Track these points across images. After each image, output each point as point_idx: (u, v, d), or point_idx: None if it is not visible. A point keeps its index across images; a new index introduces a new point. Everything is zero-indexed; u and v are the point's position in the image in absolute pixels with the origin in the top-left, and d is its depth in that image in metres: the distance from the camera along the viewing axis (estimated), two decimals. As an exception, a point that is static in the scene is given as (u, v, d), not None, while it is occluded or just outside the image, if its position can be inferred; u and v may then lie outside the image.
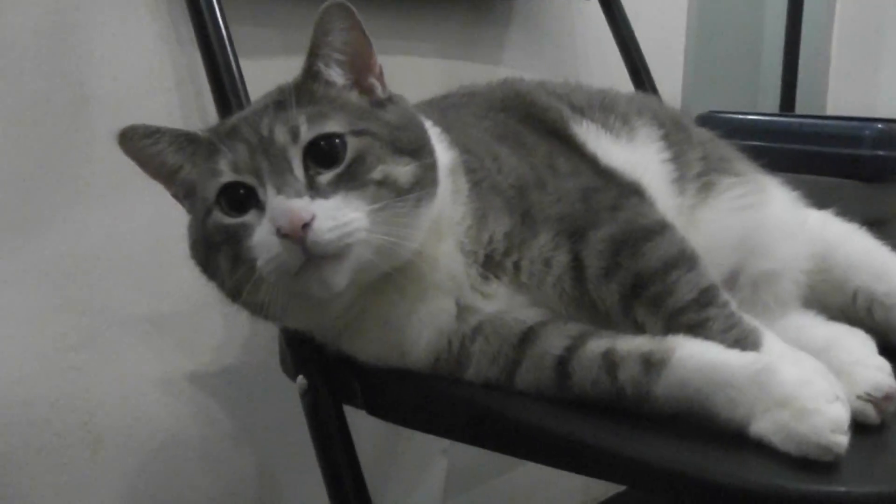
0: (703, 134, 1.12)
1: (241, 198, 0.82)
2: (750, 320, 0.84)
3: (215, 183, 0.83)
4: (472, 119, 1.00)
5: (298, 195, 0.79)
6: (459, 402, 0.89)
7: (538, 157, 0.94)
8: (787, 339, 0.99)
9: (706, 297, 0.84)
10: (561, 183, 0.91)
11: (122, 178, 1.19)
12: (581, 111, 1.03)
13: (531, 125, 1.00)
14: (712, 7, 2.25)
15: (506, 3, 1.71)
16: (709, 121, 2.04)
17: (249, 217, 0.81)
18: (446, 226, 0.88)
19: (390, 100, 0.91)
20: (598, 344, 0.84)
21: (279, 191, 0.79)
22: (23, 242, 1.16)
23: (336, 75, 0.88)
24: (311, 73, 0.88)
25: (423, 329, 0.88)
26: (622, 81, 1.69)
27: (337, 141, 0.82)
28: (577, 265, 0.88)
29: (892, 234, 1.84)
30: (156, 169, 0.89)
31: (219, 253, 0.83)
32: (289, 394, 1.04)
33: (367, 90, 0.90)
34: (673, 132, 1.06)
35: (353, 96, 0.89)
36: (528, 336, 0.87)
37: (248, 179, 0.82)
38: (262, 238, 0.79)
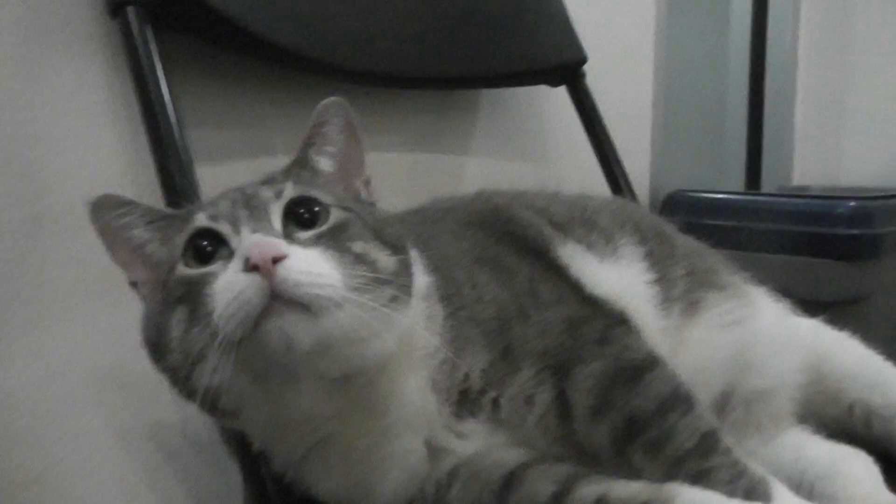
0: (687, 244, 1.07)
1: (209, 248, 0.75)
2: (757, 468, 0.79)
3: (186, 233, 0.77)
4: (449, 238, 0.95)
5: (275, 235, 0.74)
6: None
7: (519, 283, 0.89)
8: (785, 461, 0.97)
9: (707, 443, 0.79)
10: (544, 313, 0.86)
11: (79, 300, 1.12)
12: (563, 228, 0.98)
13: (511, 244, 0.95)
14: (676, 85, 2.24)
15: (472, 92, 1.68)
16: (678, 200, 2.02)
17: (215, 267, 0.74)
18: (417, 357, 0.82)
19: (373, 206, 0.87)
20: (589, 490, 0.78)
21: (255, 230, 0.74)
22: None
23: (326, 165, 0.86)
24: (302, 160, 0.85)
25: (389, 469, 0.82)
26: (591, 165, 1.66)
27: (318, 208, 0.78)
28: (562, 402, 0.83)
29: (866, 314, 1.84)
30: (121, 244, 0.82)
31: (172, 315, 0.74)
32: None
33: (352, 192, 0.87)
34: (656, 247, 1.01)
35: (339, 188, 0.86)
36: (510, 481, 0.81)
37: (223, 228, 0.76)
38: (226, 279, 0.71)
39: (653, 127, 2.15)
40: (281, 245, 0.71)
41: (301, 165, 0.85)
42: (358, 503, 0.84)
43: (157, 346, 0.77)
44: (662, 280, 0.98)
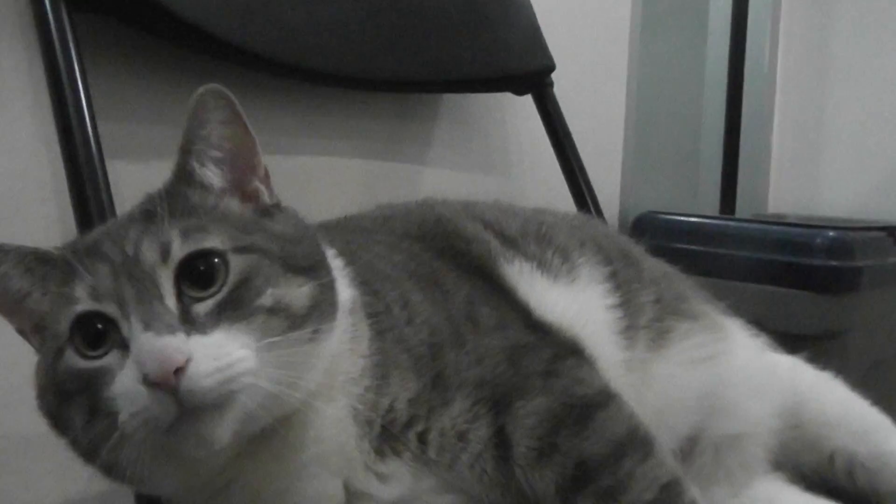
0: (656, 268, 0.97)
1: (98, 332, 0.66)
2: None
3: (69, 313, 0.66)
4: (382, 249, 0.84)
5: (171, 331, 0.63)
6: None
7: (457, 305, 0.79)
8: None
9: (669, 495, 0.70)
10: (483, 340, 0.76)
11: None
12: (514, 244, 0.87)
13: (452, 260, 0.84)
14: (650, 103, 2.16)
15: (431, 97, 1.59)
16: (648, 222, 1.93)
17: (109, 359, 0.65)
18: (339, 383, 0.72)
19: (278, 207, 0.75)
20: None
21: (147, 326, 0.63)
22: None
23: (213, 176, 0.73)
24: (183, 175, 0.72)
25: None
26: (556, 179, 1.56)
27: (216, 260, 0.67)
28: (500, 441, 0.72)
29: (845, 350, 1.76)
30: (1, 295, 0.71)
31: (71, 404, 0.67)
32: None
33: (250, 196, 0.75)
34: (621, 269, 0.90)
35: (235, 204, 0.73)
36: None
37: (109, 309, 0.65)
38: (125, 387, 0.63)
39: (624, 144, 2.06)
40: (179, 351, 0.62)
41: (185, 181, 0.72)
42: None
43: (56, 425, 0.70)
44: (626, 305, 0.88)
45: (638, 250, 0.98)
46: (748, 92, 2.52)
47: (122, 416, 0.63)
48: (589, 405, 0.73)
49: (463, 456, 0.72)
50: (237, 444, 0.68)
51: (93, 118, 1.00)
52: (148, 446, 0.63)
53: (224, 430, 0.64)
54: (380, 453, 0.72)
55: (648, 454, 0.71)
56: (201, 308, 0.65)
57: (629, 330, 0.87)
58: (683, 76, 2.46)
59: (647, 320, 0.89)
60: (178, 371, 0.60)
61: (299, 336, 0.66)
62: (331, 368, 0.70)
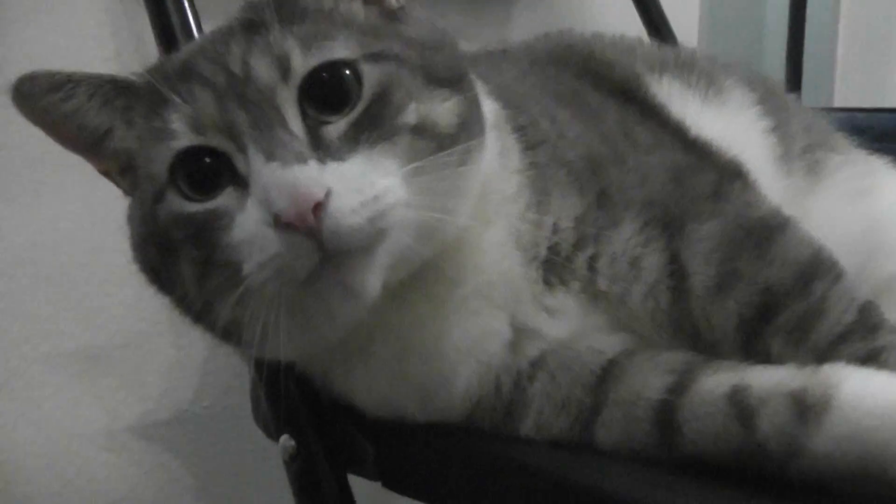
0: (793, 99, 0.88)
1: (208, 170, 0.57)
2: None
3: (166, 151, 0.58)
4: (513, 72, 0.76)
5: (301, 160, 0.54)
6: (518, 469, 0.64)
7: (608, 123, 0.71)
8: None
9: (870, 317, 0.62)
10: (644, 157, 0.68)
11: (41, 174, 0.98)
12: (655, 67, 0.78)
13: (593, 83, 0.76)
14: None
15: None
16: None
17: (225, 199, 0.57)
18: (495, 204, 0.64)
19: (405, 11, 0.66)
20: (716, 381, 0.60)
21: (270, 156, 0.55)
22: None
23: None
24: None
25: (460, 361, 0.64)
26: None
27: (347, 73, 0.58)
28: (676, 270, 0.65)
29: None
30: (73, 136, 0.63)
31: (178, 256, 0.59)
32: (264, 444, 0.81)
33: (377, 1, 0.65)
34: (766, 96, 0.83)
35: (357, 6, 0.64)
36: (610, 372, 0.64)
37: (218, 142, 0.57)
38: (249, 231, 0.55)
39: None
40: (316, 183, 0.53)
41: None
42: (411, 412, 0.67)
43: (157, 279, 0.63)
44: (779, 130, 0.81)
45: (777, 84, 0.90)
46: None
47: (248, 267, 0.55)
48: (766, 227, 0.66)
49: (636, 287, 0.65)
50: (387, 291, 0.60)
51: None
52: (281, 301, 0.55)
53: (375, 278, 0.56)
54: (548, 283, 0.65)
55: (840, 275, 0.64)
56: (333, 131, 0.57)
57: (786, 157, 0.81)
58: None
59: (800, 149, 0.82)
60: (317, 208, 0.52)
61: (449, 159, 0.58)
62: (484, 190, 0.63)
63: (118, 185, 0.66)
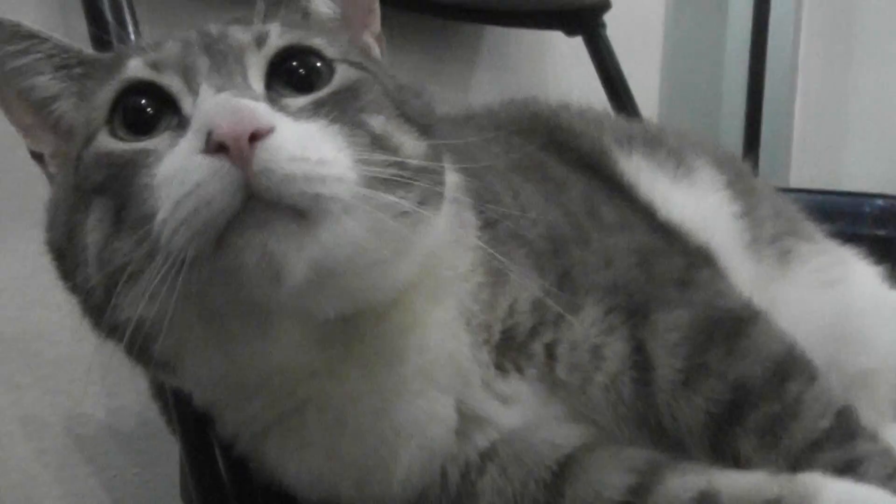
0: (764, 184, 0.86)
1: (148, 115, 0.52)
2: None
3: (113, 86, 0.53)
4: (475, 141, 0.72)
5: (252, 97, 0.50)
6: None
7: (573, 199, 0.67)
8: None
9: (848, 423, 0.59)
10: (609, 239, 0.64)
11: None
12: (624, 141, 0.75)
13: (558, 155, 0.73)
14: (675, 77, 2.13)
15: (474, 29, 1.50)
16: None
17: (157, 141, 0.51)
18: (445, 280, 0.59)
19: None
20: (682, 484, 0.56)
21: (221, 89, 0.50)
22: None
23: (323, 6, 0.62)
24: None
25: (399, 444, 0.59)
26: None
27: (319, 64, 0.54)
28: (640, 362, 0.60)
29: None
30: (18, 98, 0.58)
31: (89, 212, 0.52)
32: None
33: (361, 50, 0.62)
34: (735, 178, 0.80)
35: (345, 41, 0.60)
36: (567, 468, 0.59)
37: (169, 80, 0.52)
38: (176, 163, 0.48)
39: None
40: (263, 112, 0.47)
41: (283, 2, 0.60)
42: (347, 495, 0.61)
43: (64, 255, 0.54)
44: (749, 216, 0.77)
45: (745, 165, 0.87)
46: (770, 70, 2.43)
47: (162, 213, 0.47)
48: (737, 320, 0.62)
49: (597, 376, 0.61)
50: (300, 331, 0.54)
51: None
52: (184, 269, 0.46)
53: (300, 256, 0.48)
54: (501, 368, 0.60)
55: (814, 376, 0.61)
56: (293, 103, 0.52)
57: (755, 243, 0.77)
58: (706, 52, 2.37)
59: (769, 236, 0.79)
60: (255, 137, 0.46)
61: (407, 192, 0.52)
62: (433, 262, 0.58)
63: (44, 169, 0.60)
